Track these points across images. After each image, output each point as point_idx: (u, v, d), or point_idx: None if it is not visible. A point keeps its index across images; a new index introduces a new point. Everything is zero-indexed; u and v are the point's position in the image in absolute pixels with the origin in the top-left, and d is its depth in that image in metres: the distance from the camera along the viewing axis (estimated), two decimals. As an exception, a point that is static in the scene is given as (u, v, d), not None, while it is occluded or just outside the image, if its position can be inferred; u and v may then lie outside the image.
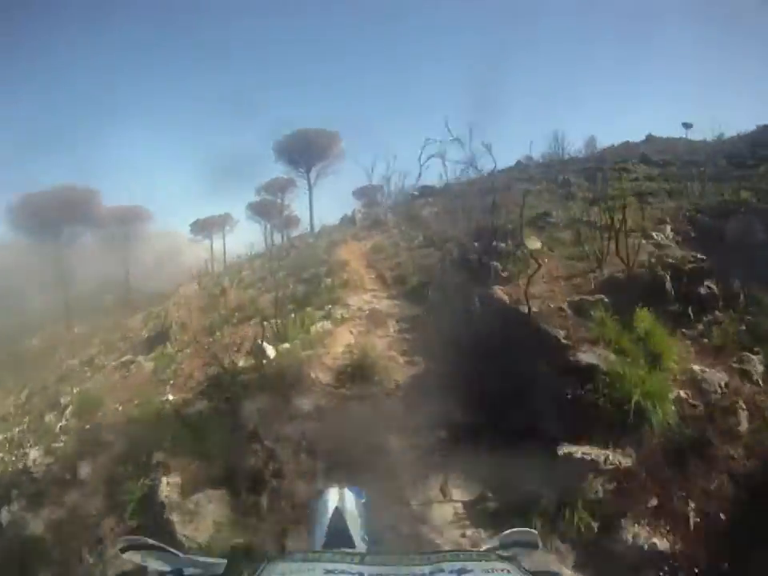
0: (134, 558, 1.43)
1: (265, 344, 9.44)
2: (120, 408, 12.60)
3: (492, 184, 29.06)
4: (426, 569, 1.01)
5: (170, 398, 11.53)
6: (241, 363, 9.62)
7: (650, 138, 30.09)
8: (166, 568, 1.40)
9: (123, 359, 17.41)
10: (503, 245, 10.57)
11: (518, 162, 32.87)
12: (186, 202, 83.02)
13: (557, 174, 26.87)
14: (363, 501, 2.03)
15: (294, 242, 32.96)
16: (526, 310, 7.43)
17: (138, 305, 29.60)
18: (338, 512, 1.84)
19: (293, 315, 11.20)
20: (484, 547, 1.51)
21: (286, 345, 9.53)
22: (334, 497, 1.95)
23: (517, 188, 27.03)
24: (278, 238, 40.80)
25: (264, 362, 9.06)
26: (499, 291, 8.44)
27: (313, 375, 7.91)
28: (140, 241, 43.64)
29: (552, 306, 7.80)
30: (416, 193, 33.69)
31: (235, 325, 14.50)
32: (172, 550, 1.42)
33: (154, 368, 14.99)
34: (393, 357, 8.46)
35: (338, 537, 1.70)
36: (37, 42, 74.80)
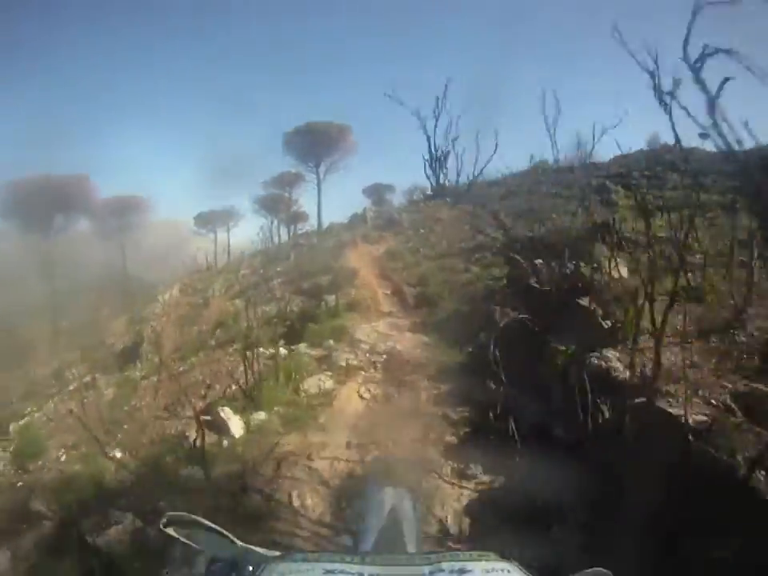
0: (177, 533, 1.15)
1: (228, 412, 5.93)
2: (62, 457, 9.45)
3: (519, 185, 25.58)
4: (426, 569, 0.97)
5: (117, 455, 8.34)
6: (193, 436, 6.11)
7: (664, 147, 26.70)
8: (218, 553, 1.18)
9: (89, 377, 14.06)
10: (585, 269, 6.95)
11: (534, 166, 29.78)
12: (193, 194, 79.13)
13: (588, 179, 23.66)
14: (416, 506, 1.89)
15: (299, 239, 29.49)
16: (679, 413, 3.86)
17: (132, 299, 25.95)
18: (394, 513, 1.67)
19: (280, 352, 7.64)
20: None
21: (261, 415, 6.00)
22: (390, 497, 1.76)
23: (544, 192, 23.68)
24: (286, 234, 38.17)
25: (225, 443, 5.58)
26: (615, 360, 4.90)
27: (296, 502, 4.36)
28: (139, 231, 40.59)
29: (714, 401, 4.24)
30: (429, 192, 30.22)
31: (213, 349, 11.08)
32: (226, 533, 1.18)
33: (113, 397, 11.69)
34: (433, 462, 4.87)
35: (392, 539, 1.55)
36: (37, 39, 71.24)
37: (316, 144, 37.54)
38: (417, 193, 33.77)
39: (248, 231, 44.90)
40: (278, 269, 16.69)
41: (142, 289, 29.09)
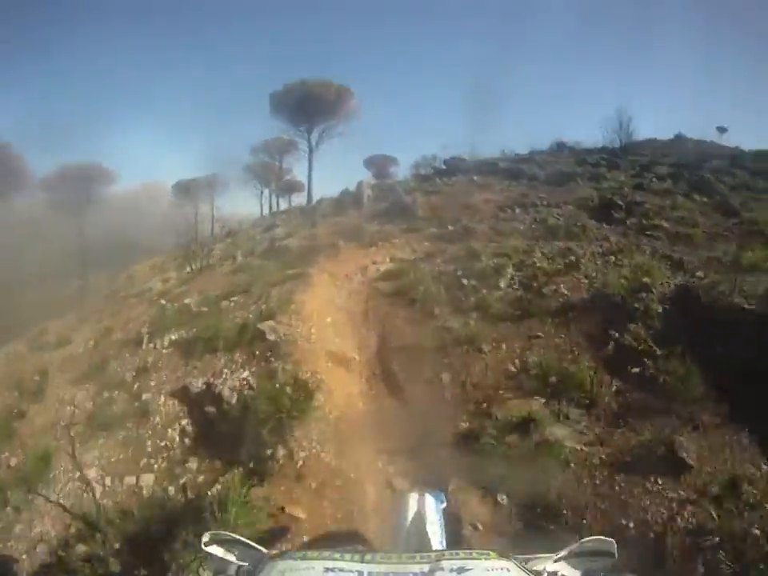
0: (216, 551, 1.17)
1: None
2: None
3: (560, 165, 16.78)
4: (426, 567, 0.90)
5: None
6: None
7: (679, 138, 23.58)
8: (251, 564, 1.15)
9: None
10: None
11: (559, 145, 22.29)
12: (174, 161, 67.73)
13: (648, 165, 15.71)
14: (444, 505, 1.72)
15: (277, 219, 20.74)
16: None
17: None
18: (418, 517, 1.57)
19: None
20: (560, 553, 1.10)
21: None
22: (414, 502, 1.63)
23: (611, 177, 15.15)
24: (281, 204, 31.59)
25: None
26: None
27: None
28: (100, 205, 31.65)
29: None
30: (442, 166, 21.37)
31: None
32: (258, 546, 1.18)
33: None
34: None
35: (417, 542, 1.46)
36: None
37: (309, 106, 28.68)
38: (426, 167, 24.80)
39: (239, 202, 36.71)
40: (188, 300, 8.12)
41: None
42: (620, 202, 11.15)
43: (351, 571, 0.87)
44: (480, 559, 0.91)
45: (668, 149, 21.43)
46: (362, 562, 0.90)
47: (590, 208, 11.32)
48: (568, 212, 11.07)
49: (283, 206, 32.05)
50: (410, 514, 1.57)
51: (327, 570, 0.87)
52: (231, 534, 1.16)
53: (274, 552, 1.07)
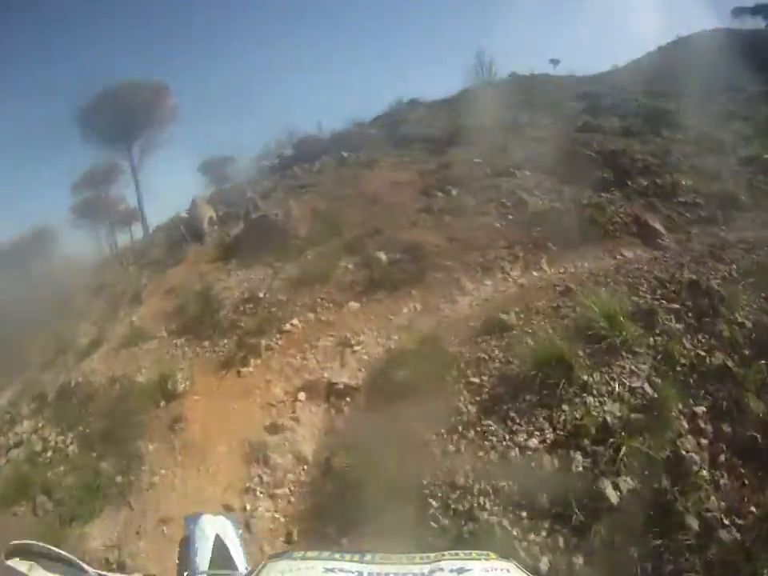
0: (21, 567, 0.87)
1: None
2: None
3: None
4: (426, 568, 0.79)
5: None
6: None
7: (513, 75, 19.52)
8: None
9: None
10: None
11: (411, 102, 16.45)
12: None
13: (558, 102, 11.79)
14: (240, 531, 1.38)
15: (106, 274, 13.07)
16: None
17: None
18: (220, 539, 1.25)
19: None
20: None
21: None
22: (211, 524, 1.31)
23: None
24: (124, 237, 23.93)
25: None
26: None
27: None
28: None
29: None
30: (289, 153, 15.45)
31: None
32: (77, 560, 0.91)
33: None
34: None
35: (223, 564, 1.18)
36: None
37: (121, 117, 21.64)
38: (271, 158, 18.63)
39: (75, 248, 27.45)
40: None
41: None
42: (591, 153, 6.86)
43: (351, 571, 0.77)
44: (479, 560, 0.81)
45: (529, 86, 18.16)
46: (362, 562, 0.80)
47: (559, 170, 6.80)
48: (541, 183, 6.41)
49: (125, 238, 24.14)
50: (210, 537, 1.23)
51: (327, 570, 0.76)
52: (48, 547, 0.89)
53: (274, 552, 0.92)
